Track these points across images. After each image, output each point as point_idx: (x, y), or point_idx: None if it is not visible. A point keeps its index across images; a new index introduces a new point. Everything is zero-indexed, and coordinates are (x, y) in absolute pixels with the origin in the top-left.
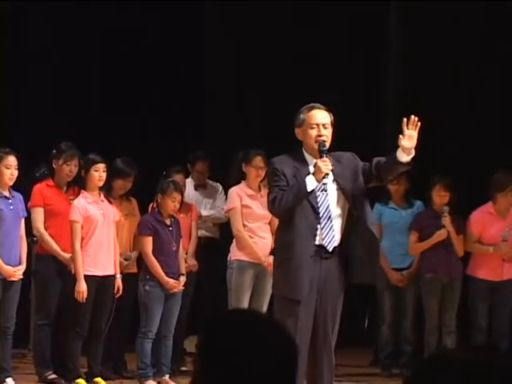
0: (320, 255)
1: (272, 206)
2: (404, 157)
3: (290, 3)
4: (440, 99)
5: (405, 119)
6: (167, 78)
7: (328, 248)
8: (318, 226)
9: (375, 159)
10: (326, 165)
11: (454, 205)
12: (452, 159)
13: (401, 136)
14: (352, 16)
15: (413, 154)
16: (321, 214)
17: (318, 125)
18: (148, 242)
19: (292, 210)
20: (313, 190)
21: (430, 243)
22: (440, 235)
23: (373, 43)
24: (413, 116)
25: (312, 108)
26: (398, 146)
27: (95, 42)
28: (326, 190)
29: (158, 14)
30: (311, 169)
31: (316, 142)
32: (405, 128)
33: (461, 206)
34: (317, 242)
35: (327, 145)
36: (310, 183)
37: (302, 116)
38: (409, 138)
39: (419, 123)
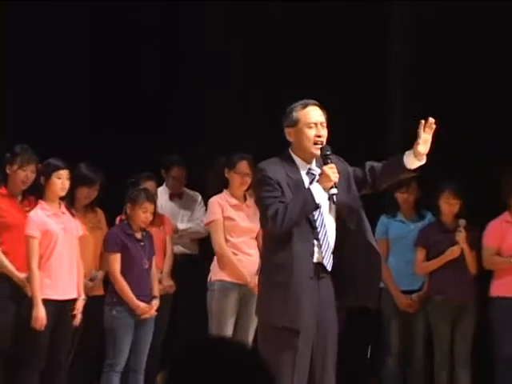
0: (318, 275)
1: (274, 222)
2: (415, 163)
3: (290, 4)
4: (448, 98)
5: (422, 121)
6: (136, 68)
7: (327, 267)
8: (315, 242)
9: (368, 164)
10: (334, 172)
11: (466, 214)
12: (464, 163)
13: (418, 140)
14: (353, 16)
15: (424, 160)
16: (318, 229)
17: (316, 124)
18: (116, 260)
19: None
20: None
21: (440, 262)
22: (453, 253)
23: (374, 43)
24: (431, 118)
25: (306, 105)
26: (404, 151)
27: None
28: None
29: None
30: (304, 175)
31: (315, 143)
32: (421, 131)
33: (474, 215)
34: (315, 260)
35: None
36: (318, 194)
37: (295, 114)
38: (424, 143)
39: (434, 126)
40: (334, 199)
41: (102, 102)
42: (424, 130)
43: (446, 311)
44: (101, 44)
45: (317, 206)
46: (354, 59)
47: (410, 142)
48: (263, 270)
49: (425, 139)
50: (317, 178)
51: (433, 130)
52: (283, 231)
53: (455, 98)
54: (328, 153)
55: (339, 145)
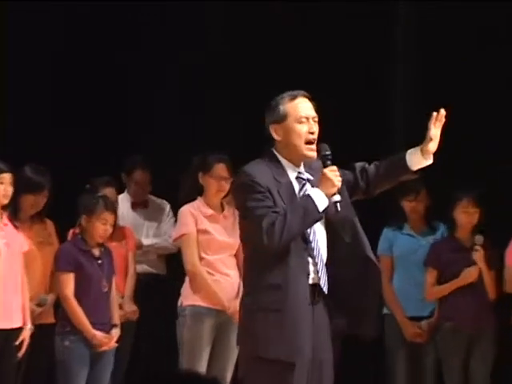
0: (313, 298)
1: (270, 238)
2: (421, 163)
3: (290, 4)
4: (450, 98)
5: (434, 113)
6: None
7: (324, 288)
8: (310, 260)
9: (357, 166)
10: (337, 175)
11: (485, 228)
12: (480, 169)
13: (430, 135)
14: (353, 16)
15: (431, 160)
16: (312, 244)
17: (307, 118)
18: (68, 281)
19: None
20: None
21: (453, 286)
22: (469, 275)
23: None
24: (442, 110)
25: (295, 96)
26: (406, 150)
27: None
28: None
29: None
30: (293, 180)
31: (307, 142)
32: (432, 125)
33: (495, 229)
34: (311, 281)
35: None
36: (320, 201)
37: (282, 108)
38: (435, 138)
39: (444, 119)
40: (338, 208)
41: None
42: (434, 125)
43: (458, 341)
44: (70, 38)
45: (320, 217)
46: (354, 59)
47: (412, 142)
48: (248, 293)
49: (435, 135)
50: (307, 184)
51: (442, 124)
52: (282, 247)
53: (458, 97)
54: (327, 152)
55: (339, 145)
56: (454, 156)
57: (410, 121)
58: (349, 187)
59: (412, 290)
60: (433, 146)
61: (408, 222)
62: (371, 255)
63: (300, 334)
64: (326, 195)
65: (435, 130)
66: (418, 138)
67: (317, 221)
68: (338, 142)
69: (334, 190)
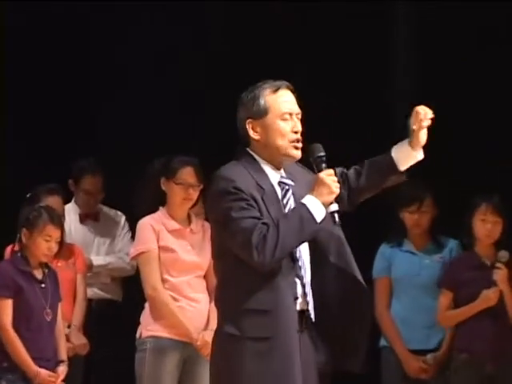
0: (301, 327)
1: (261, 253)
2: (412, 158)
3: (290, 4)
4: (458, 96)
5: (418, 109)
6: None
7: (311, 315)
8: (298, 282)
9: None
10: (335, 180)
11: (509, 242)
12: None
13: (415, 124)
14: (353, 16)
15: (422, 155)
16: (300, 263)
17: (291, 114)
18: (5, 309)
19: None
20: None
21: (471, 310)
22: (488, 299)
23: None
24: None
25: (277, 88)
26: (390, 147)
27: None
28: None
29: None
30: (275, 185)
31: (291, 142)
32: (417, 117)
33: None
34: (298, 307)
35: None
36: (317, 210)
37: (262, 101)
38: (422, 128)
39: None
40: (336, 219)
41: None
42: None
43: (474, 376)
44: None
45: (318, 228)
46: (354, 59)
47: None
48: (227, 319)
49: (422, 124)
50: (290, 191)
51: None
52: (272, 266)
53: (458, 97)
54: (321, 154)
55: (339, 145)
56: (460, 159)
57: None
58: None
59: (414, 317)
60: (423, 135)
61: (409, 237)
62: (359, 276)
63: (292, 369)
64: (323, 203)
65: (421, 123)
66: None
67: (314, 234)
68: (338, 142)
69: (332, 197)
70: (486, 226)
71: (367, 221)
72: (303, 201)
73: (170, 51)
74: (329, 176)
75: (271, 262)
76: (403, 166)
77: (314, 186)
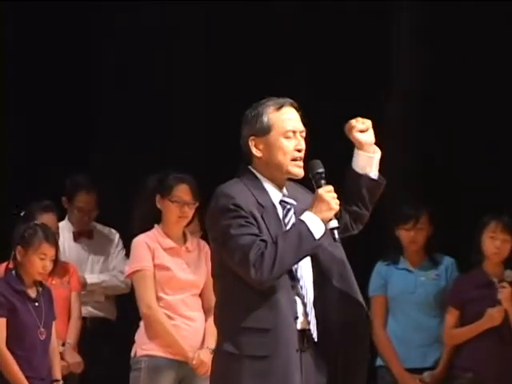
0: (302, 347)
1: (259, 271)
2: (366, 157)
3: (290, 4)
4: (458, 96)
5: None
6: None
7: (313, 334)
8: (298, 301)
9: None
10: (334, 197)
11: None
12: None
13: (352, 125)
14: (353, 16)
15: (375, 152)
16: (301, 282)
17: (294, 132)
18: (0, 327)
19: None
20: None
21: (477, 329)
22: (492, 318)
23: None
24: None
25: (281, 105)
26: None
27: None
28: None
29: None
30: (277, 204)
31: (293, 159)
32: (349, 130)
33: None
34: (299, 326)
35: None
36: (316, 227)
37: (265, 119)
38: (364, 132)
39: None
40: (336, 235)
41: None
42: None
43: None
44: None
45: (317, 245)
46: (355, 59)
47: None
48: (225, 337)
49: (363, 125)
50: (292, 210)
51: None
52: (270, 284)
53: (458, 97)
54: (321, 170)
55: (340, 145)
56: (460, 170)
57: (412, 122)
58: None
59: (412, 336)
60: (365, 136)
61: (405, 254)
62: (362, 300)
63: None
64: (322, 220)
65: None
66: (419, 138)
67: (313, 251)
68: (339, 142)
69: (331, 214)
70: (495, 243)
71: (362, 239)
72: (302, 217)
73: (171, 51)
74: (328, 192)
75: (269, 280)
76: (363, 169)
77: (313, 203)
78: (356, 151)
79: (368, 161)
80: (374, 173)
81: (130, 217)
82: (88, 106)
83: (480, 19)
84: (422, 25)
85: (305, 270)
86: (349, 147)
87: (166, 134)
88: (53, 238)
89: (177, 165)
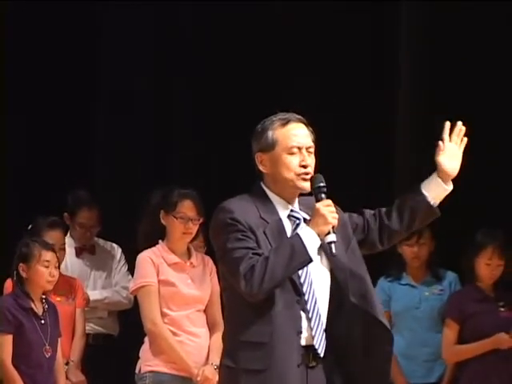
0: (307, 363)
1: (249, 283)
2: (442, 190)
3: (290, 4)
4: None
5: (448, 123)
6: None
7: (319, 351)
8: (303, 316)
9: (367, 212)
10: (332, 211)
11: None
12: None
13: (440, 149)
14: (354, 16)
15: (451, 186)
16: (306, 297)
17: (300, 148)
18: (6, 344)
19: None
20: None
21: (481, 348)
22: (499, 343)
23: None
24: (459, 123)
25: (287, 121)
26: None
27: None
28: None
29: None
30: (285, 220)
31: (298, 175)
32: (446, 137)
33: None
34: (303, 342)
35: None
36: (310, 241)
37: (270, 134)
38: (451, 155)
39: (465, 138)
40: (333, 250)
41: None
42: (451, 137)
43: None
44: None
45: (310, 260)
46: (355, 59)
47: (415, 143)
48: (226, 351)
49: (451, 150)
50: (302, 224)
51: (463, 143)
52: (261, 297)
53: (458, 98)
54: (321, 185)
55: (340, 146)
56: (464, 183)
57: (414, 122)
58: (359, 233)
59: (416, 351)
60: (446, 160)
61: (407, 270)
62: (384, 321)
63: None
64: (318, 234)
65: (451, 145)
66: (421, 139)
67: (305, 264)
68: (338, 142)
69: (327, 228)
70: (490, 269)
71: (365, 255)
72: (298, 231)
73: (170, 50)
74: (326, 206)
75: (260, 292)
76: (437, 201)
77: (311, 217)
78: (435, 175)
79: (441, 192)
80: (435, 202)
81: (133, 231)
82: (88, 106)
83: (480, 19)
84: (422, 25)
85: (317, 284)
86: (349, 147)
87: (168, 146)
88: (50, 246)
89: (180, 178)
